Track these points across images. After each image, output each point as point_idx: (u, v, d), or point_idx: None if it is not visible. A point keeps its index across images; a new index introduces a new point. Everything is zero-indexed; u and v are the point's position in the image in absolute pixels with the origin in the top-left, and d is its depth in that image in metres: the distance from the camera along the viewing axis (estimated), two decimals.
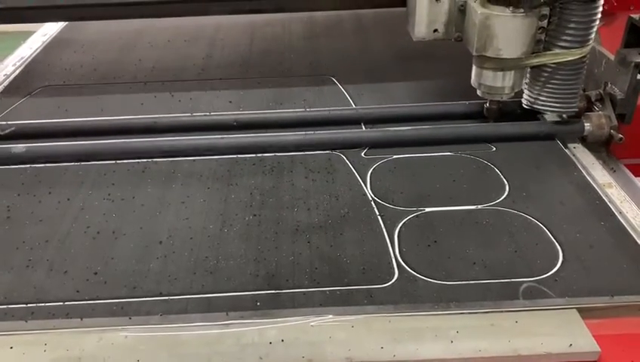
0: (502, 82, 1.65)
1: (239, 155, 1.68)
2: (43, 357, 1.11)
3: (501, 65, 1.62)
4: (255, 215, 1.46)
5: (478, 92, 1.72)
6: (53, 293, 1.25)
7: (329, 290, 1.23)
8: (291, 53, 2.35)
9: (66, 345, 1.13)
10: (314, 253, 1.33)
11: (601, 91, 1.71)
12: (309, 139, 1.70)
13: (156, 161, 1.67)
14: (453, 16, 1.69)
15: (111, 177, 1.62)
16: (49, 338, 1.15)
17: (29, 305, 1.22)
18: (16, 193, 1.56)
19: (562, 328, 1.14)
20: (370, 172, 1.61)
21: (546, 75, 1.64)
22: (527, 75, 1.70)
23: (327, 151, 1.69)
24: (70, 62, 2.34)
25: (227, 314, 1.19)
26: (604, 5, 1.56)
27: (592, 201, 1.48)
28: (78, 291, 1.25)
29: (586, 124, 1.69)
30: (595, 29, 1.57)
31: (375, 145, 1.72)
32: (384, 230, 1.39)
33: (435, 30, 1.72)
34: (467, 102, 1.82)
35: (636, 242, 1.34)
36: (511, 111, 1.78)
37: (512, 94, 1.70)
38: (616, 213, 1.43)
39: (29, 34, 2.62)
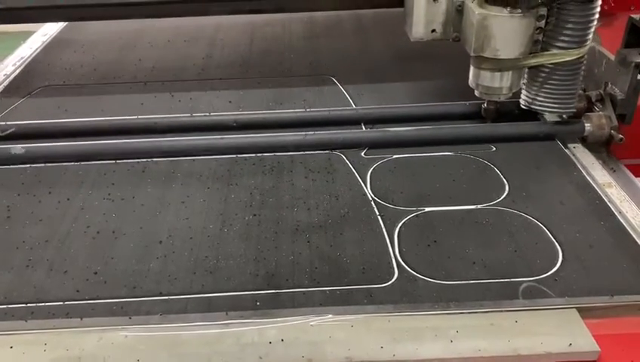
0: (499, 83, 1.65)
1: (239, 155, 1.68)
2: (43, 357, 1.11)
3: (499, 65, 1.62)
4: (255, 215, 1.46)
5: (476, 92, 1.72)
6: (53, 293, 1.25)
7: (329, 290, 1.23)
8: (291, 53, 2.35)
9: (65, 345, 1.13)
10: (314, 253, 1.33)
11: (602, 91, 1.71)
12: (308, 139, 1.70)
13: (156, 161, 1.67)
14: (450, 16, 1.69)
15: (111, 177, 1.62)
16: (49, 338, 1.15)
17: (28, 305, 1.22)
18: (16, 193, 1.56)
19: (562, 328, 1.14)
20: (370, 172, 1.61)
21: (543, 75, 1.64)
22: (525, 76, 1.70)
23: (327, 151, 1.69)
24: (70, 62, 2.35)
25: (227, 314, 1.19)
26: (604, 5, 1.56)
27: (591, 201, 1.48)
28: (78, 291, 1.25)
29: (586, 125, 1.69)
30: (592, 30, 1.57)
31: (375, 145, 1.72)
32: (384, 230, 1.39)
33: (433, 30, 1.72)
34: (467, 103, 1.82)
35: (636, 242, 1.34)
36: (509, 111, 1.78)
37: (510, 95, 1.70)
38: (616, 213, 1.43)
39: (29, 34, 2.62)
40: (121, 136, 1.76)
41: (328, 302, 1.20)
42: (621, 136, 1.65)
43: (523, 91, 1.73)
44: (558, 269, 1.27)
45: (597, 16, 1.55)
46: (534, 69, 1.65)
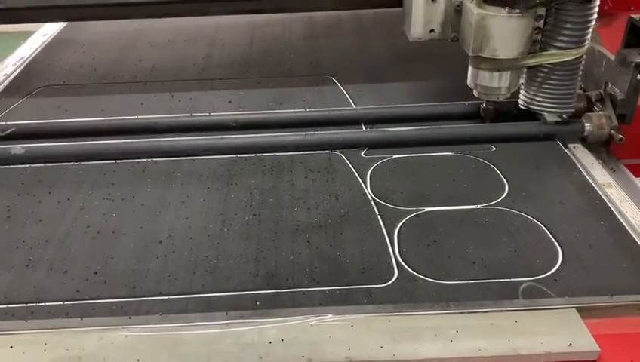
0: (498, 83, 1.65)
1: (239, 155, 1.68)
2: (43, 357, 1.11)
3: (497, 65, 1.62)
4: (255, 214, 1.46)
5: (475, 92, 1.72)
6: (53, 293, 1.25)
7: (329, 290, 1.23)
8: (291, 53, 2.35)
9: (65, 345, 1.13)
10: (314, 253, 1.33)
11: (602, 91, 1.71)
12: (308, 139, 1.70)
13: (156, 161, 1.67)
14: (449, 16, 1.69)
15: (111, 177, 1.62)
16: (49, 338, 1.15)
17: (28, 305, 1.22)
18: (16, 193, 1.56)
19: (562, 327, 1.14)
20: (369, 172, 1.61)
21: (542, 75, 1.64)
22: (524, 76, 1.70)
23: (327, 151, 1.69)
24: (70, 62, 2.35)
25: (227, 314, 1.19)
26: (603, 5, 1.56)
27: (591, 201, 1.48)
28: (78, 291, 1.25)
29: (586, 125, 1.69)
30: (591, 30, 1.57)
31: (375, 145, 1.72)
32: (384, 230, 1.39)
33: (432, 30, 1.72)
34: (467, 103, 1.82)
35: (636, 242, 1.35)
36: (507, 111, 1.78)
37: (509, 95, 1.70)
38: (615, 213, 1.44)
39: (29, 34, 2.62)
40: (121, 136, 1.76)
41: (328, 302, 1.20)
42: (621, 136, 1.65)
43: (521, 91, 1.73)
44: (557, 269, 1.27)
45: (595, 16, 1.55)
46: (533, 69, 1.65)
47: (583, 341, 1.11)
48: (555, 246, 1.33)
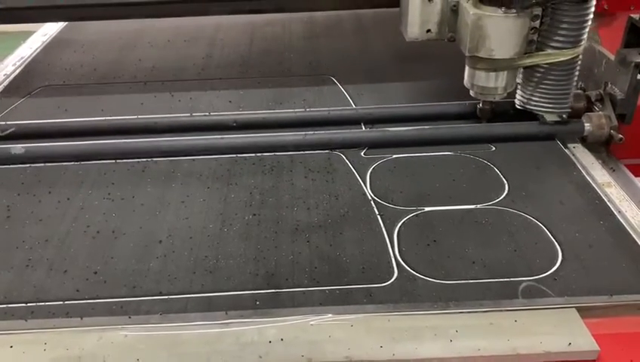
0: (494, 83, 1.65)
1: (239, 155, 1.69)
2: (43, 356, 1.11)
3: (494, 65, 1.61)
4: (255, 214, 1.46)
5: (471, 92, 1.71)
6: (53, 293, 1.25)
7: (328, 289, 1.23)
8: (291, 53, 2.35)
9: (65, 344, 1.13)
10: (313, 253, 1.33)
11: (601, 91, 1.71)
12: (308, 139, 1.71)
13: (156, 161, 1.68)
14: (445, 16, 1.69)
15: (111, 177, 1.62)
16: (49, 338, 1.15)
17: (28, 304, 1.22)
18: (16, 193, 1.56)
19: (561, 327, 1.14)
20: (369, 171, 1.61)
21: (538, 75, 1.64)
22: (520, 76, 1.70)
23: (327, 151, 1.70)
24: (70, 62, 2.35)
25: (227, 314, 1.19)
26: (603, 5, 1.56)
27: (591, 201, 1.48)
28: (77, 290, 1.25)
29: (586, 124, 1.69)
30: (587, 30, 1.57)
31: (375, 145, 1.72)
32: (384, 229, 1.39)
33: (428, 30, 1.72)
34: (467, 103, 1.82)
35: (635, 241, 1.35)
36: (504, 111, 1.78)
37: (505, 95, 1.69)
38: (615, 213, 1.44)
39: (29, 34, 2.63)
40: (121, 136, 1.76)
41: (328, 302, 1.20)
42: (621, 135, 1.65)
43: (518, 91, 1.73)
44: (557, 269, 1.27)
45: (591, 16, 1.55)
46: (529, 69, 1.65)
47: (582, 340, 1.11)
48: (555, 245, 1.33)
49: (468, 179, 1.57)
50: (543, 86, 1.65)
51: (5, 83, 2.18)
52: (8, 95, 2.09)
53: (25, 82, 2.19)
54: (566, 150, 1.69)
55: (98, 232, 1.42)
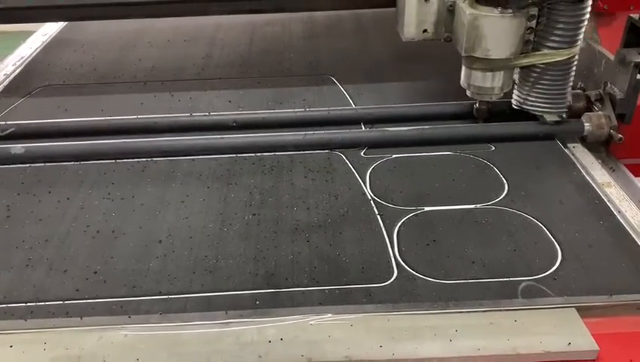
0: (491, 83, 1.65)
1: (239, 155, 1.69)
2: (43, 356, 1.11)
3: (490, 65, 1.62)
4: (254, 214, 1.46)
5: (468, 92, 1.72)
6: (52, 292, 1.25)
7: (328, 289, 1.23)
8: (291, 53, 2.35)
9: (65, 344, 1.13)
10: (313, 252, 1.33)
11: (601, 91, 1.71)
12: (308, 138, 1.71)
13: (156, 161, 1.68)
14: (442, 16, 1.69)
15: (110, 176, 1.62)
16: (49, 337, 1.15)
17: (28, 304, 1.22)
18: (16, 192, 1.56)
19: (561, 327, 1.14)
20: (369, 171, 1.61)
21: (535, 75, 1.64)
22: (517, 76, 1.70)
23: (327, 151, 1.70)
24: (70, 62, 2.35)
25: (226, 313, 1.19)
26: (602, 5, 1.56)
27: (591, 201, 1.48)
28: (77, 290, 1.25)
29: (585, 124, 1.69)
30: (583, 30, 1.57)
31: (374, 145, 1.72)
32: (383, 229, 1.40)
33: (425, 30, 1.72)
34: (467, 103, 1.82)
35: (635, 241, 1.35)
36: (500, 111, 1.78)
37: (501, 95, 1.70)
38: (615, 213, 1.44)
39: (29, 34, 2.63)
40: (121, 135, 1.76)
41: (328, 301, 1.20)
42: (620, 135, 1.65)
43: (515, 91, 1.73)
44: (557, 268, 1.27)
45: (587, 16, 1.55)
46: (526, 69, 1.65)
47: (582, 340, 1.11)
48: (555, 245, 1.33)
49: (467, 179, 1.57)
50: (540, 86, 1.65)
51: (5, 83, 2.18)
52: (8, 95, 2.09)
53: (25, 82, 2.19)
54: (566, 150, 1.69)
55: (98, 232, 1.42)
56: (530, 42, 1.60)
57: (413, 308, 1.19)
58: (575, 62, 1.63)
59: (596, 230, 1.38)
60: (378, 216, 1.44)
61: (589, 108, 1.74)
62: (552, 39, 1.57)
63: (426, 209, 1.46)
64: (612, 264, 1.28)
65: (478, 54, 1.60)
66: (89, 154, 1.69)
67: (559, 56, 1.58)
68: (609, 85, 1.68)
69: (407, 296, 1.21)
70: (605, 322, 1.16)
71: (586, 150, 1.69)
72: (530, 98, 1.68)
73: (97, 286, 1.26)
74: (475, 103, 1.76)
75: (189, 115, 1.88)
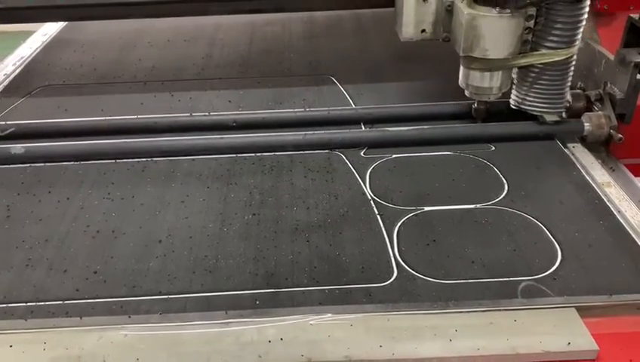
0: (489, 82, 1.65)
1: (239, 155, 1.69)
2: (42, 356, 1.11)
3: (488, 65, 1.62)
4: (254, 214, 1.46)
5: (466, 92, 1.72)
6: (52, 292, 1.25)
7: (328, 289, 1.23)
8: (291, 53, 2.35)
9: (65, 344, 1.13)
10: (313, 252, 1.33)
11: (601, 91, 1.71)
12: (308, 138, 1.71)
13: (156, 161, 1.68)
14: (440, 16, 1.69)
15: (110, 176, 1.62)
16: (48, 337, 1.15)
17: (28, 304, 1.22)
18: (16, 192, 1.56)
19: (561, 327, 1.14)
20: (369, 171, 1.61)
21: (533, 75, 1.64)
22: (515, 76, 1.70)
23: (327, 151, 1.70)
24: (70, 62, 2.35)
25: (226, 313, 1.19)
26: (602, 5, 1.56)
27: (591, 201, 1.48)
28: (77, 290, 1.25)
29: (585, 124, 1.69)
30: (581, 30, 1.57)
31: (374, 145, 1.72)
32: (383, 229, 1.40)
33: (423, 30, 1.72)
34: (468, 103, 1.82)
35: (635, 241, 1.35)
36: (499, 111, 1.78)
37: (500, 95, 1.70)
38: (615, 213, 1.44)
39: (29, 34, 2.63)
40: (121, 135, 1.76)
41: (327, 301, 1.20)
42: (620, 135, 1.65)
43: (513, 91, 1.73)
44: (557, 268, 1.27)
45: (586, 16, 1.55)
46: (524, 69, 1.65)
47: (582, 340, 1.11)
48: (555, 245, 1.33)
49: (467, 179, 1.57)
50: (538, 86, 1.65)
51: (5, 83, 2.18)
52: (8, 95, 2.09)
53: (25, 82, 2.19)
54: (565, 150, 1.69)
55: (98, 232, 1.42)
56: (529, 42, 1.60)
57: (413, 308, 1.19)
58: (573, 63, 1.63)
59: (596, 230, 1.38)
60: (378, 216, 1.44)
61: (588, 108, 1.74)
62: (550, 39, 1.57)
63: (426, 209, 1.46)
64: (612, 264, 1.28)
65: (476, 54, 1.60)
66: (89, 154, 1.69)
67: (557, 56, 1.58)
68: (609, 85, 1.68)
69: (407, 295, 1.21)
70: (605, 322, 1.16)
71: (585, 150, 1.69)
72: (528, 98, 1.68)
73: (97, 286, 1.26)
74: (474, 103, 1.76)
75: (189, 115, 1.88)
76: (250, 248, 1.35)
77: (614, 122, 1.66)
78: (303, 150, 1.70)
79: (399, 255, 1.32)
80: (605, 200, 1.48)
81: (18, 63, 2.34)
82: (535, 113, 1.69)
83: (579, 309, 1.17)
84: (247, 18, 2.66)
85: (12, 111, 1.97)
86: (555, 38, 1.57)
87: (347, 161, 1.65)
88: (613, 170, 1.63)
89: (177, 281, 1.27)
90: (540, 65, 1.61)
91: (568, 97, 1.72)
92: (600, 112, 1.70)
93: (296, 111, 1.89)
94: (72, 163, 1.67)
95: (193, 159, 1.68)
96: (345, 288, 1.23)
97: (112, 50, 2.43)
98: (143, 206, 1.50)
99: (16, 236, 1.41)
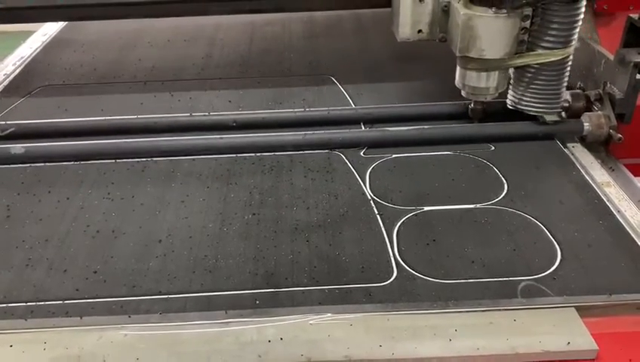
0: (486, 83, 1.65)
1: (238, 155, 1.69)
2: (42, 356, 1.12)
3: (484, 65, 1.62)
4: (254, 214, 1.46)
5: (463, 92, 1.72)
6: (52, 292, 1.25)
7: (328, 289, 1.23)
8: (291, 53, 2.36)
9: (65, 344, 1.13)
10: (313, 252, 1.33)
11: (601, 91, 1.71)
12: (308, 138, 1.71)
13: (156, 160, 1.68)
14: (437, 16, 1.69)
15: (110, 176, 1.62)
16: (48, 337, 1.15)
17: (28, 304, 1.22)
18: (16, 192, 1.56)
19: (560, 326, 1.14)
20: (369, 171, 1.61)
21: (529, 75, 1.64)
22: (512, 76, 1.70)
23: (327, 151, 1.70)
24: (70, 62, 2.35)
25: (226, 313, 1.19)
26: (602, 5, 1.56)
27: (590, 200, 1.48)
28: (77, 290, 1.25)
29: (585, 124, 1.69)
30: (577, 30, 1.57)
31: (374, 145, 1.72)
32: (383, 229, 1.40)
33: (420, 31, 1.72)
34: (466, 103, 1.82)
35: (634, 241, 1.35)
36: (495, 111, 1.78)
37: (496, 95, 1.70)
38: (614, 212, 1.44)
39: (29, 34, 2.63)
40: (121, 135, 1.77)
41: (327, 301, 1.20)
42: (620, 135, 1.65)
43: (509, 91, 1.73)
44: (556, 268, 1.27)
45: (582, 16, 1.55)
46: (520, 70, 1.65)
47: (581, 340, 1.11)
48: (554, 245, 1.34)
49: (467, 179, 1.57)
50: (534, 86, 1.65)
51: (5, 83, 2.18)
52: (8, 95, 2.09)
53: (25, 82, 2.19)
54: (565, 150, 1.69)
55: (98, 232, 1.42)
56: (525, 42, 1.60)
57: (413, 308, 1.19)
58: (569, 63, 1.63)
59: (596, 230, 1.38)
60: (378, 216, 1.44)
61: (588, 108, 1.74)
62: (547, 39, 1.57)
63: (426, 209, 1.46)
64: (611, 263, 1.28)
65: (472, 54, 1.60)
66: (89, 154, 1.69)
67: (553, 56, 1.58)
68: (608, 85, 1.68)
69: (406, 295, 1.21)
70: (604, 322, 1.16)
71: (585, 150, 1.69)
72: (524, 98, 1.68)
73: (97, 285, 1.26)
74: (470, 103, 1.76)
75: (188, 115, 1.88)
76: (250, 248, 1.35)
77: (614, 122, 1.66)
78: (303, 150, 1.70)
79: (399, 255, 1.32)
80: (605, 200, 1.48)
81: (18, 63, 2.34)
82: (531, 113, 1.69)
83: (578, 309, 1.17)
84: (247, 18, 2.66)
85: (12, 111, 1.97)
86: (551, 38, 1.57)
87: (347, 161, 1.65)
88: (613, 170, 1.63)
89: (177, 281, 1.27)
90: (536, 66, 1.61)
91: (568, 97, 1.72)
92: (599, 112, 1.70)
93: (296, 111, 1.89)
94: (72, 163, 1.67)
95: (193, 159, 1.68)
96: (345, 288, 1.23)
97: (112, 50, 2.43)
98: (143, 206, 1.50)
99: (16, 236, 1.41)
